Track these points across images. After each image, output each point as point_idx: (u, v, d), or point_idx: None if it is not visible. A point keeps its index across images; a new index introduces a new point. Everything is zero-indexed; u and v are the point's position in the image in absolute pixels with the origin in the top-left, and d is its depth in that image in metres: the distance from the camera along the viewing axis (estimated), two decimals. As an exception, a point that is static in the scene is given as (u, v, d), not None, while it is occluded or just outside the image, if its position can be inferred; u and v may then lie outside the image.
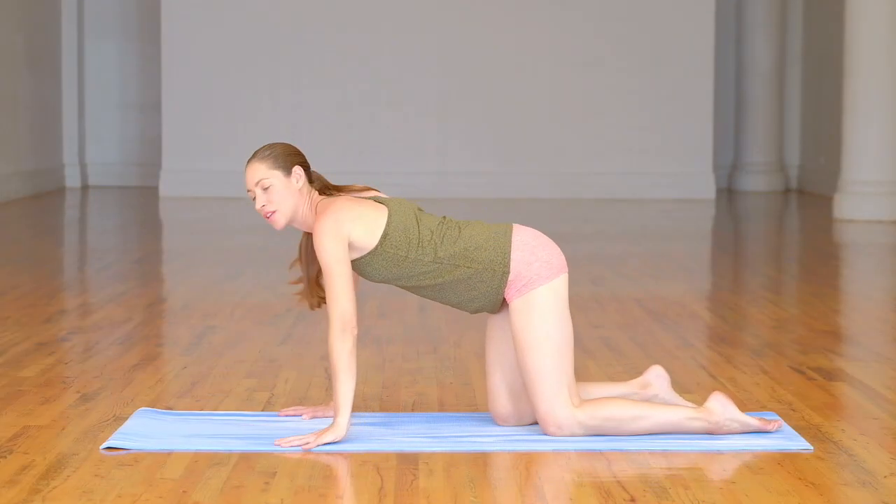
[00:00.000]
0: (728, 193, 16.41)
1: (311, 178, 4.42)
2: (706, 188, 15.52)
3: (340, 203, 4.35)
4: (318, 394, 4.99)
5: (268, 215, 4.39)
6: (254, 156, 4.38)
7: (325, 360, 5.65)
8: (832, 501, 3.69)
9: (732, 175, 16.95)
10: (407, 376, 5.31)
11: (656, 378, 4.56)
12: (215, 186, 15.36)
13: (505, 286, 4.32)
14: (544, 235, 4.42)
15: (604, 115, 15.50)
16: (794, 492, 3.76)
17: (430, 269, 4.33)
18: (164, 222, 12.93)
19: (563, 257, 4.38)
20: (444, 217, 4.43)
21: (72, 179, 16.28)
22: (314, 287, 4.49)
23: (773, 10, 16.49)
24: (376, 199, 4.42)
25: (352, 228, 4.28)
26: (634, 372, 5.45)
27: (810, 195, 16.01)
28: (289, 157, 4.38)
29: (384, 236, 4.30)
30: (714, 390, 4.62)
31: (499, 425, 4.44)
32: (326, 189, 4.44)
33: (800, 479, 3.88)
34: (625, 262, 9.10)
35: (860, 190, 12.44)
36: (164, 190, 15.34)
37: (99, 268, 8.96)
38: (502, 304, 4.41)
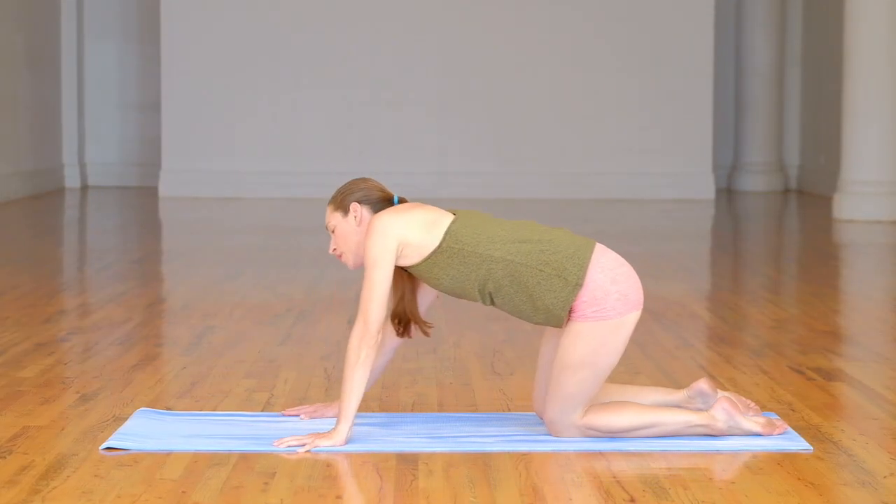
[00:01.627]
0: (728, 193, 16.42)
1: (381, 209, 4.30)
2: (706, 188, 15.52)
3: (396, 207, 4.28)
4: (318, 394, 4.99)
5: (338, 257, 4.37)
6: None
7: (324, 360, 5.66)
8: (832, 502, 3.69)
9: (732, 175, 16.95)
10: (407, 377, 5.31)
11: (699, 395, 4.47)
12: (215, 186, 15.36)
13: (574, 299, 4.17)
14: (628, 264, 4.27)
15: (603, 115, 15.50)
16: (794, 492, 3.76)
17: (500, 267, 4.20)
18: (163, 222, 12.93)
19: (641, 292, 4.23)
20: (526, 222, 4.31)
21: (71, 179, 16.28)
22: (416, 318, 4.37)
23: (773, 10, 16.49)
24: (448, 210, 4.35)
25: (405, 230, 4.20)
26: (633, 372, 5.45)
27: (810, 195, 16.02)
28: (347, 195, 4.32)
29: (448, 232, 4.21)
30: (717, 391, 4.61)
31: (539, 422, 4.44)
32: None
33: (799, 479, 3.88)
34: (624, 263, 9.08)
35: (860, 190, 12.44)
36: (163, 190, 15.34)
37: (98, 268, 8.96)
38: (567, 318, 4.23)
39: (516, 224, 4.30)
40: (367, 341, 4.16)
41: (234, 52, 15.33)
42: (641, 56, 15.42)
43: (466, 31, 15.41)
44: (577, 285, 4.16)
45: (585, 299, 4.17)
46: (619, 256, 4.28)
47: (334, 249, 4.36)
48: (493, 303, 4.27)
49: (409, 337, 4.42)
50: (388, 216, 4.22)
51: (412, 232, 4.21)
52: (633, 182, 15.54)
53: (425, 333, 4.40)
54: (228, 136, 15.40)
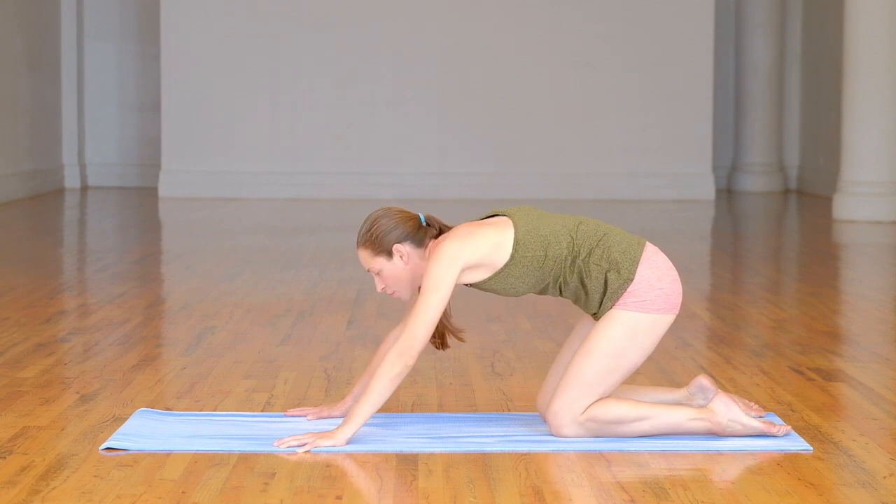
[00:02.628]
0: (727, 194, 16.42)
1: (422, 236, 4.31)
2: (705, 189, 15.52)
3: (460, 230, 4.27)
4: (318, 394, 5.00)
5: (391, 294, 4.36)
6: (358, 240, 4.33)
7: (324, 360, 5.66)
8: (832, 502, 3.69)
9: (732, 175, 16.95)
10: (406, 377, 5.31)
11: (700, 390, 4.51)
12: (215, 187, 15.36)
13: (623, 292, 4.27)
14: (675, 270, 4.37)
15: (603, 115, 15.50)
16: (794, 492, 3.76)
17: (568, 263, 4.27)
18: (163, 223, 12.93)
19: (680, 298, 4.34)
20: (577, 218, 4.36)
21: (71, 180, 16.28)
22: (450, 328, 4.39)
23: (773, 10, 16.49)
24: (494, 213, 4.35)
25: (472, 252, 4.21)
26: (633, 372, 5.45)
27: (809, 196, 16.02)
28: (387, 239, 4.28)
29: (517, 243, 4.25)
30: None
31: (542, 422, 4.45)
32: (441, 231, 4.36)
33: (799, 479, 3.88)
34: (624, 263, 9.09)
35: (859, 190, 12.44)
36: (163, 190, 15.34)
37: (98, 268, 8.96)
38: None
39: (568, 218, 4.36)
40: (407, 360, 4.17)
41: (233, 53, 15.33)
42: (641, 56, 15.42)
43: (466, 30, 15.42)
44: (628, 280, 4.26)
45: (630, 290, 4.26)
46: (668, 259, 4.38)
47: (384, 288, 4.35)
48: (561, 293, 4.35)
49: (448, 348, 4.44)
50: (457, 244, 4.22)
51: (479, 254, 4.22)
52: (633, 182, 15.54)
53: (461, 340, 4.44)
54: (228, 137, 15.41)
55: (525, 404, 4.83)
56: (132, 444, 4.16)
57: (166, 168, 15.38)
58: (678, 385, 5.10)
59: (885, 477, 3.92)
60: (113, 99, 16.56)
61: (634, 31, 15.41)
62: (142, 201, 14.81)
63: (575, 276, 4.29)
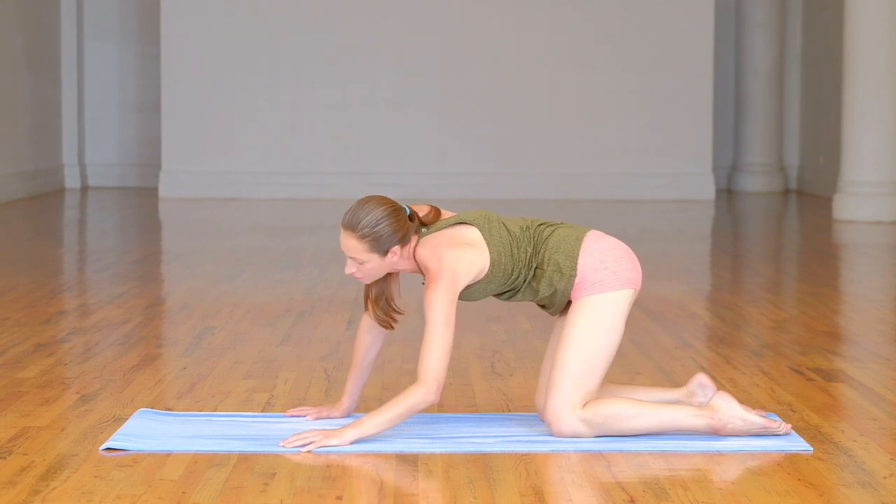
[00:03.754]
0: (727, 194, 16.42)
1: (410, 234, 4.31)
2: (705, 189, 15.52)
3: (450, 258, 4.25)
4: (318, 394, 5.00)
5: (359, 279, 4.36)
6: (350, 226, 4.25)
7: (324, 360, 5.66)
8: (832, 502, 3.69)
9: (732, 176, 16.95)
10: (406, 377, 5.31)
11: (699, 387, 4.54)
12: (215, 187, 15.36)
13: (572, 287, 4.36)
14: (625, 248, 4.44)
15: (603, 115, 15.50)
16: (794, 493, 3.76)
17: (529, 274, 4.37)
18: (163, 223, 12.93)
19: (635, 273, 4.40)
20: (524, 220, 4.42)
21: (71, 180, 16.28)
22: (390, 310, 4.42)
23: (773, 10, 16.49)
24: (461, 221, 4.36)
25: (465, 281, 4.27)
26: (633, 372, 5.45)
27: (809, 196, 16.02)
28: (389, 241, 4.25)
29: (492, 265, 4.32)
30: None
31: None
32: (422, 223, 4.37)
33: (799, 479, 3.88)
34: (624, 263, 9.08)
35: (859, 191, 12.44)
36: (163, 191, 15.34)
37: (98, 269, 8.96)
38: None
39: (524, 227, 4.42)
40: (430, 401, 4.17)
41: (234, 53, 15.33)
42: (641, 56, 15.42)
43: (466, 31, 15.41)
44: (572, 276, 4.35)
45: (578, 280, 4.36)
46: (614, 242, 4.46)
47: (353, 274, 4.33)
48: (518, 300, 4.46)
49: (393, 329, 4.47)
50: (456, 267, 4.22)
51: (469, 277, 4.27)
52: (633, 182, 15.54)
53: (399, 312, 4.44)
54: (228, 137, 15.41)
55: (525, 404, 4.83)
56: (132, 445, 4.16)
57: (166, 168, 15.38)
58: (678, 385, 5.10)
59: (885, 477, 3.92)
60: (113, 99, 16.56)
61: (634, 31, 15.40)
62: (142, 201, 14.81)
63: (527, 282, 4.39)
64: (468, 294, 4.38)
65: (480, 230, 4.35)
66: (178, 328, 6.58)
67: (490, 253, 4.32)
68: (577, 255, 4.36)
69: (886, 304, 7.55)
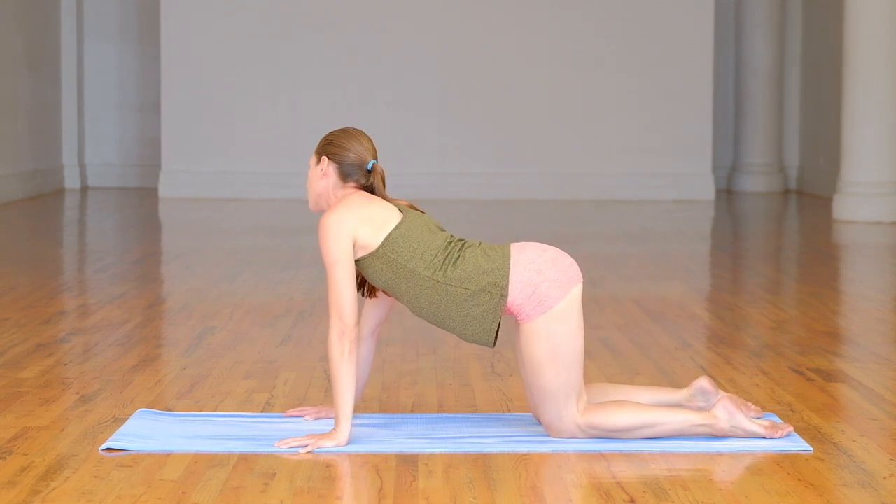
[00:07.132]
0: (727, 194, 16.41)
1: (352, 175, 4.33)
2: (705, 189, 15.52)
3: (349, 200, 4.29)
4: (318, 395, 5.00)
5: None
6: None
7: (324, 360, 5.66)
8: (832, 502, 3.69)
9: (732, 176, 16.95)
10: (406, 377, 5.31)
11: (700, 393, 4.51)
12: (215, 187, 15.36)
13: (503, 310, 4.21)
14: (551, 249, 4.30)
15: (603, 115, 15.50)
16: (794, 493, 3.76)
17: (427, 285, 4.23)
18: (163, 223, 12.93)
19: (572, 268, 4.26)
20: (452, 237, 4.33)
21: (71, 180, 16.28)
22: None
23: (773, 10, 16.49)
24: (398, 206, 4.33)
25: (357, 227, 4.23)
26: (633, 372, 5.45)
27: (809, 196, 16.02)
28: (326, 146, 4.36)
29: (387, 239, 4.24)
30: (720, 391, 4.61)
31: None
32: (371, 189, 4.37)
33: (799, 480, 3.88)
34: (624, 264, 9.10)
35: (859, 191, 12.44)
36: (163, 191, 15.34)
37: (98, 269, 8.96)
38: (516, 325, 4.28)
39: (447, 242, 4.30)
40: (348, 335, 4.17)
41: (233, 53, 15.33)
42: (641, 56, 15.42)
43: (466, 31, 15.41)
44: (504, 296, 4.20)
45: (519, 301, 4.21)
46: (539, 245, 4.30)
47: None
48: (421, 315, 4.31)
49: (376, 297, 4.45)
50: (339, 214, 4.23)
51: (362, 229, 4.23)
52: (633, 182, 15.54)
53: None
54: (228, 137, 15.40)
55: (525, 404, 4.83)
56: (132, 445, 4.16)
57: (166, 168, 15.38)
58: (678, 385, 5.10)
59: (885, 477, 3.93)
60: (113, 99, 16.56)
61: (634, 31, 15.40)
62: (142, 202, 14.81)
63: (439, 296, 4.23)
64: (365, 269, 4.26)
65: (403, 212, 4.29)
66: (178, 328, 6.58)
67: (397, 227, 4.23)
68: (508, 274, 4.21)
69: (886, 305, 7.55)
